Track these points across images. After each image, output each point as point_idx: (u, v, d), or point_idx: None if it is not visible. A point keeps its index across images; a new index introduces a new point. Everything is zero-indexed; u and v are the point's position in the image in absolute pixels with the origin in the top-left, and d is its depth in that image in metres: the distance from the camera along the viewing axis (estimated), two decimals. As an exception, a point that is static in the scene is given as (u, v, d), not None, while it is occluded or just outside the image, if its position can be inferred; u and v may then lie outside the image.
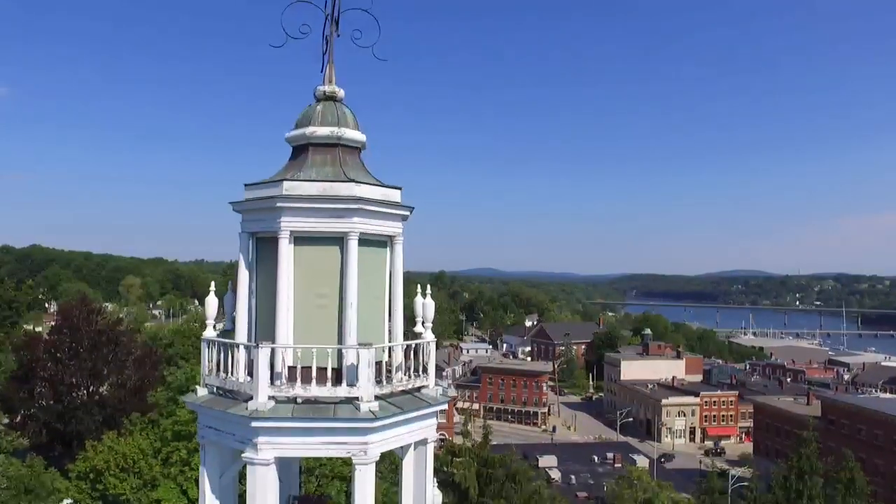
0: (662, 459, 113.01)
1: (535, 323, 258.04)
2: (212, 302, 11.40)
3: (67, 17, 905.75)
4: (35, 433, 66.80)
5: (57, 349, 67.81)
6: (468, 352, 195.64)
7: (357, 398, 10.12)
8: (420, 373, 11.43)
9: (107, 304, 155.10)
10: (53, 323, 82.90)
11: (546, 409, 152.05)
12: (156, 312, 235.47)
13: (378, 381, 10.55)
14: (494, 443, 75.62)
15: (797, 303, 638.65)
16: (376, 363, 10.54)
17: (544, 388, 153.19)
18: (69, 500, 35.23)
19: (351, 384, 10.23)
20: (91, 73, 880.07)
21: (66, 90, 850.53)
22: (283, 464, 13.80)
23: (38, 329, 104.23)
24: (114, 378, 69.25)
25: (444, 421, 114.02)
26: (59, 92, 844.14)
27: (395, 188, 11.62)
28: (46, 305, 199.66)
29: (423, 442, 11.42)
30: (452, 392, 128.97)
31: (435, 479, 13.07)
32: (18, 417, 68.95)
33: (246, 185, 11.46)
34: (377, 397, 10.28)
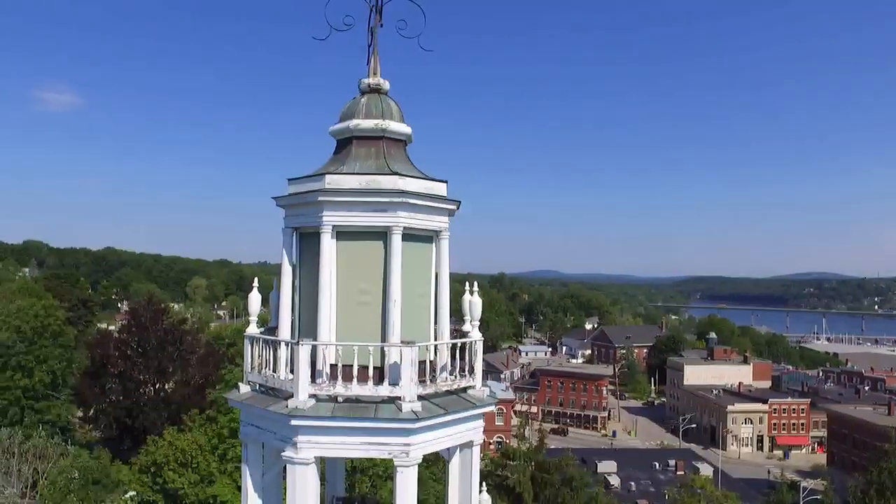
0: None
1: (595, 326, 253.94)
2: (254, 298, 11.26)
3: (133, 29, 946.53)
4: (106, 427, 69.78)
5: (126, 347, 70.60)
6: (527, 354, 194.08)
7: (399, 398, 9.77)
8: (466, 373, 10.99)
9: (173, 304, 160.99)
10: (124, 322, 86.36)
11: (606, 414, 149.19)
12: (220, 313, 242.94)
13: (422, 381, 10.17)
14: (552, 447, 74.50)
15: (876, 307, 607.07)
16: (420, 362, 10.16)
17: (604, 391, 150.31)
18: (132, 492, 36.35)
19: (393, 383, 9.89)
20: (155, 81, 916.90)
21: (133, 99, 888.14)
22: (329, 463, 13.63)
23: (112, 328, 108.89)
24: (179, 376, 71.57)
25: (502, 424, 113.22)
26: (129, 99, 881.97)
27: (441, 181, 11.25)
28: (119, 305, 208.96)
29: (469, 444, 10.97)
30: (510, 394, 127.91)
31: (485, 484, 12.60)
32: (91, 411, 72.13)
33: (289, 179, 11.30)
34: (420, 397, 9.91)
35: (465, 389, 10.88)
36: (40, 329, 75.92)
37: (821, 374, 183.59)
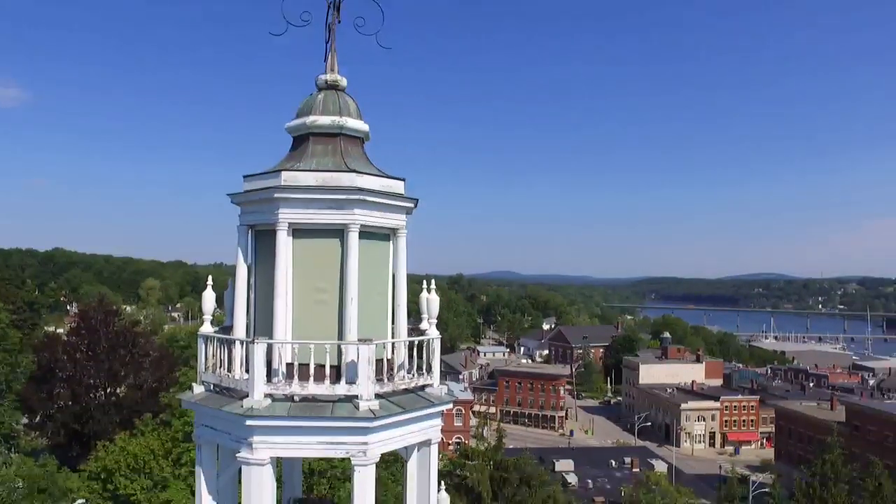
0: None
1: (552, 326, 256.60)
2: (208, 296, 11.07)
3: (83, 24, 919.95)
4: (54, 433, 67.44)
5: (75, 350, 68.38)
6: (485, 355, 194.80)
7: (356, 396, 9.70)
8: (424, 371, 10.98)
9: (126, 306, 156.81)
10: (73, 324, 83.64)
11: (563, 413, 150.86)
12: (175, 315, 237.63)
13: (379, 379, 10.12)
14: (510, 446, 74.96)
15: (820, 307, 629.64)
16: (377, 360, 10.11)
17: (562, 391, 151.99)
18: (81, 501, 35.23)
19: (350, 382, 9.82)
20: (108, 78, 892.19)
21: (84, 96, 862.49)
22: (286, 464, 13.47)
23: (60, 330, 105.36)
24: (131, 379, 69.71)
25: (461, 424, 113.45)
26: (79, 97, 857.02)
27: (399, 179, 11.22)
28: (68, 308, 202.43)
29: (427, 443, 10.96)
30: (469, 395, 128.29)
31: (444, 483, 12.61)
32: (38, 418, 69.65)
33: (244, 176, 11.13)
34: (378, 396, 9.86)
35: (422, 387, 10.87)
36: (-18, 333, 73.06)
37: (769, 371, 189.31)
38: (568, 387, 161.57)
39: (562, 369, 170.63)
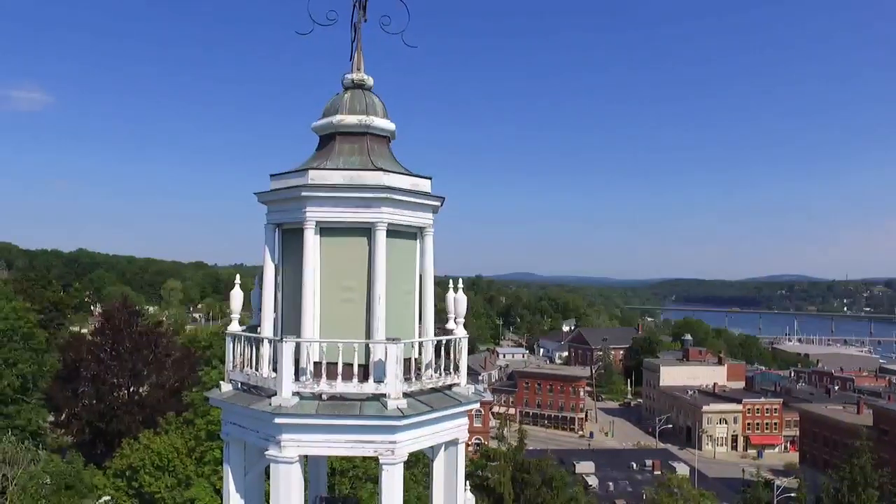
0: None
1: (572, 328, 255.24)
2: (236, 295, 11.10)
3: (106, 28, 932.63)
4: (79, 431, 68.43)
5: (99, 350, 69.33)
6: (505, 356, 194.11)
7: (384, 395, 9.68)
8: (451, 370, 10.92)
9: (148, 306, 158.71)
10: (97, 324, 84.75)
11: (583, 415, 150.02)
12: (196, 315, 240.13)
13: (407, 378, 10.09)
14: (531, 448, 74.72)
15: (845, 309, 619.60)
16: (405, 359, 10.07)
17: (581, 393, 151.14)
18: (107, 497, 35.65)
19: (378, 380, 9.80)
20: (130, 81, 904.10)
21: (106, 99, 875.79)
22: (311, 463, 13.49)
23: (84, 330, 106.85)
24: (153, 378, 70.52)
25: (481, 425, 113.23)
26: (101, 100, 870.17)
27: (426, 178, 11.18)
28: (92, 308, 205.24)
29: (454, 442, 10.91)
30: (489, 396, 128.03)
31: (468, 483, 12.55)
32: (63, 416, 70.70)
33: (272, 175, 11.16)
34: (405, 395, 9.83)
35: (450, 387, 10.81)
36: (10, 332, 74.17)
37: (793, 374, 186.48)
38: (587, 388, 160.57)
39: (581, 371, 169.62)
